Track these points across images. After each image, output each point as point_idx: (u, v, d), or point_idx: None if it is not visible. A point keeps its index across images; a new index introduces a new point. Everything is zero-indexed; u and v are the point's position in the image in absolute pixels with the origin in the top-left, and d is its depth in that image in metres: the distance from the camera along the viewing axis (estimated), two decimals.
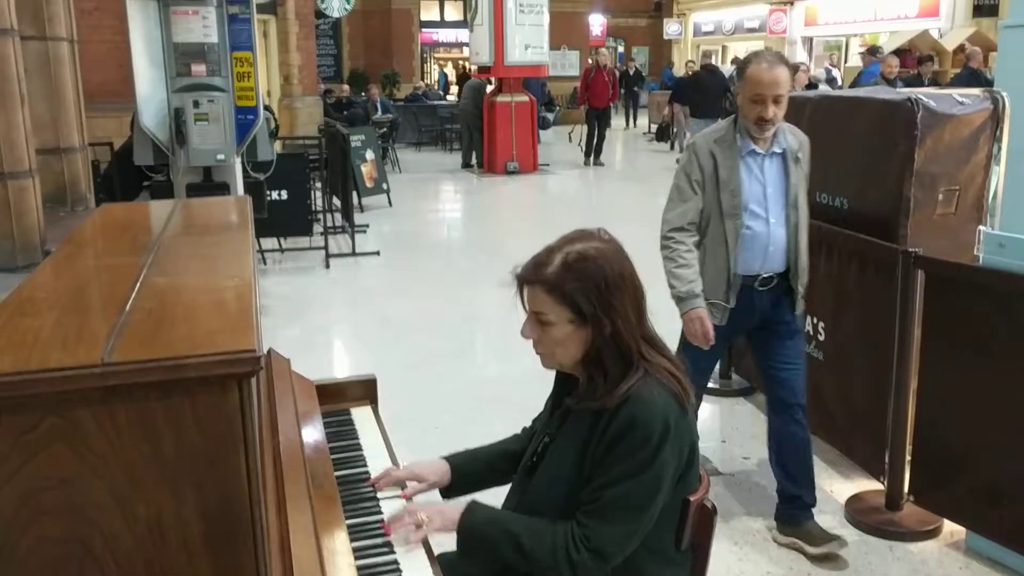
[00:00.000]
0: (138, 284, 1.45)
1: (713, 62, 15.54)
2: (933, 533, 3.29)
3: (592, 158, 14.75)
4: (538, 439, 1.92)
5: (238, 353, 1.12)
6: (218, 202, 2.49)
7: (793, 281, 3.14)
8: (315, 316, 6.45)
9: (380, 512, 1.92)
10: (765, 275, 3.11)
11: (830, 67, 17.44)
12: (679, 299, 3.12)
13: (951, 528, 3.29)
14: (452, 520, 1.78)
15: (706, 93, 13.63)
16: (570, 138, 16.16)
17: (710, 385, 4.74)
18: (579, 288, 1.69)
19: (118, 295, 1.39)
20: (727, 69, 18.37)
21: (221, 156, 5.57)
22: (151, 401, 1.11)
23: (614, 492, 1.67)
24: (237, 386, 1.13)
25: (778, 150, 3.07)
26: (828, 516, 3.44)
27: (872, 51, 12.44)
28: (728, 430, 4.29)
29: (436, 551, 1.83)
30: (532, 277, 1.73)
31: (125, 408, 1.10)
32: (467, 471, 2.03)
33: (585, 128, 14.96)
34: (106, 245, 1.91)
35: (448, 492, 2.05)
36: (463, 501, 1.85)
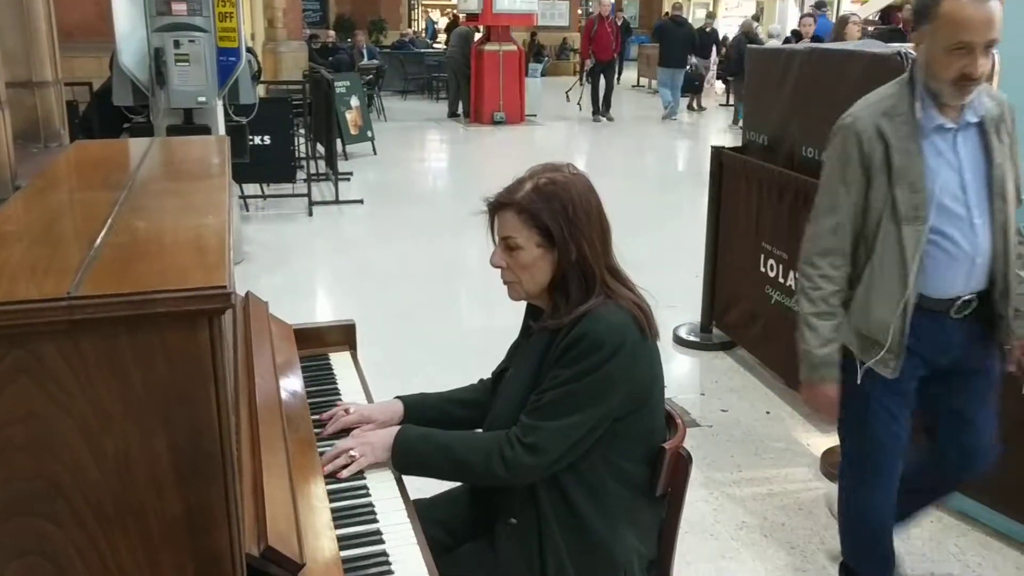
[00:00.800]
0: (110, 219, 1.41)
1: (682, 14, 15.46)
2: None
3: (602, 111, 14.24)
4: (500, 370, 1.97)
5: (209, 289, 1.09)
6: (195, 141, 2.44)
7: (1000, 304, 2.26)
8: (297, 264, 6.41)
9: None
10: (966, 297, 2.24)
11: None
12: (807, 361, 2.32)
13: None
14: (384, 447, 1.82)
15: (672, 43, 14.09)
16: (568, 97, 15.80)
17: (690, 339, 4.76)
18: (547, 210, 1.74)
19: (89, 230, 1.36)
20: (729, 21, 18.12)
21: (202, 98, 5.48)
22: (119, 336, 1.09)
23: (555, 393, 1.71)
24: (208, 323, 1.11)
25: (973, 119, 2.20)
26: (803, 468, 3.48)
27: (819, 5, 12.28)
28: (708, 383, 4.32)
29: (413, 496, 1.84)
30: (504, 201, 1.78)
31: (92, 343, 1.08)
32: (420, 413, 2.03)
33: (588, 84, 14.42)
34: (79, 180, 1.87)
35: None
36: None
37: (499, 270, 1.83)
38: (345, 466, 1.80)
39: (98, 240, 1.29)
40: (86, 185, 1.83)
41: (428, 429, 1.88)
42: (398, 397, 2.06)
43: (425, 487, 2.17)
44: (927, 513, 2.83)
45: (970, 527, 3.09)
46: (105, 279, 1.13)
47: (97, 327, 1.07)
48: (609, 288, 1.77)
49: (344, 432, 1.95)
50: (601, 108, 14.30)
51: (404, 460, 1.82)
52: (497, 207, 1.80)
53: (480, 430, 1.95)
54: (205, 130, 5.52)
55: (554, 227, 1.73)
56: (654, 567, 1.89)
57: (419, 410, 2.03)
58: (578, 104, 14.85)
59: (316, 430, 1.96)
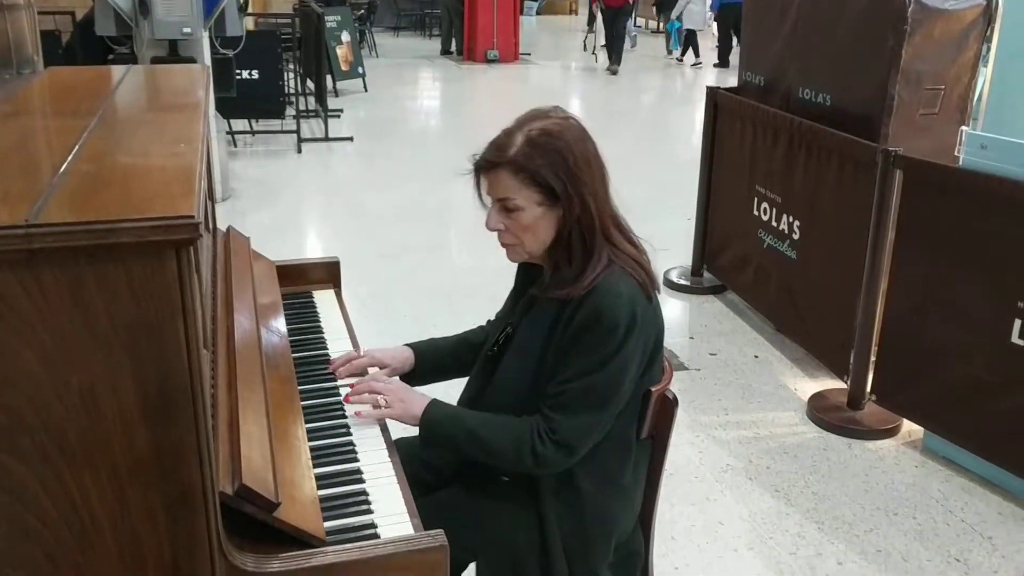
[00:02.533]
0: (77, 146, 1.36)
1: None
2: (892, 432, 3.34)
3: (610, 62, 13.22)
4: (500, 327, 1.88)
5: (176, 219, 1.05)
6: (173, 69, 2.36)
7: None
8: (286, 201, 6.33)
9: (338, 394, 1.89)
10: None
11: None
12: None
13: (909, 428, 3.33)
14: (412, 414, 1.74)
15: None
16: (584, 45, 15.26)
17: (681, 282, 4.73)
18: (547, 165, 1.60)
19: (55, 157, 1.31)
20: None
21: (187, 29, 5.35)
22: (81, 267, 1.04)
23: (579, 385, 1.63)
24: (175, 254, 1.06)
25: None
26: (790, 413, 3.48)
27: None
28: (697, 327, 4.30)
29: (397, 435, 1.81)
30: (496, 160, 1.63)
31: (53, 273, 1.03)
32: (430, 359, 2.00)
33: (601, 30, 13.67)
34: (49, 107, 1.80)
35: (410, 379, 2.03)
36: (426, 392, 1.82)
37: (496, 232, 1.70)
38: (373, 406, 1.77)
39: (63, 167, 1.24)
40: (56, 112, 1.76)
41: (456, 410, 1.79)
42: (408, 344, 2.02)
43: (410, 428, 2.15)
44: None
45: (953, 472, 3.10)
46: (66, 207, 1.08)
47: (57, 257, 1.03)
48: (612, 243, 1.67)
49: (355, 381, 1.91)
50: (610, 58, 13.38)
51: (430, 437, 1.75)
52: (488, 167, 1.64)
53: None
54: (190, 62, 5.39)
55: (556, 183, 1.60)
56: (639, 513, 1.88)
57: (429, 357, 2.00)
58: (593, 54, 14.28)
59: (296, 369, 1.93)
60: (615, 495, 1.77)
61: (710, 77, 12.63)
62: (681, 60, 14.52)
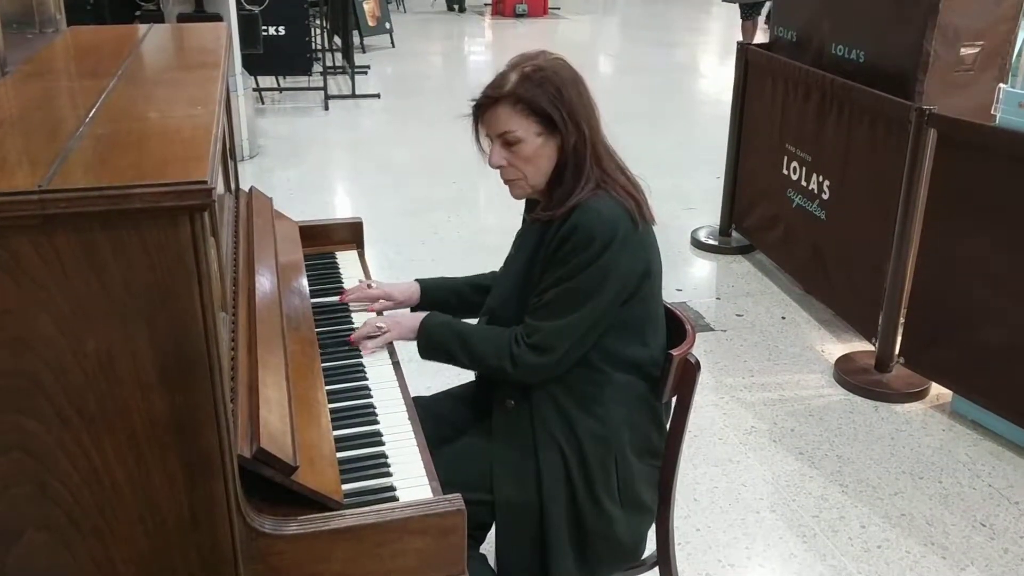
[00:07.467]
0: (94, 109, 1.35)
1: None
2: (919, 395, 3.30)
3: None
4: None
5: (188, 184, 1.04)
6: (194, 28, 2.35)
7: None
8: (312, 158, 6.33)
9: (360, 356, 1.90)
10: None
11: None
12: None
13: (937, 391, 3.30)
14: (410, 328, 1.87)
15: None
16: None
17: (708, 242, 4.69)
18: (543, 94, 1.71)
19: (71, 119, 1.30)
20: None
21: None
22: (95, 232, 1.04)
23: (553, 293, 1.71)
24: (188, 219, 1.06)
25: None
26: (816, 375, 3.45)
27: None
28: (724, 287, 4.26)
29: (412, 394, 1.82)
30: (495, 95, 1.73)
31: (68, 238, 1.03)
32: (436, 295, 2.10)
33: None
34: (69, 67, 1.80)
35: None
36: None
37: (499, 170, 1.78)
38: (372, 337, 1.89)
39: (79, 130, 1.24)
40: (75, 72, 1.75)
41: (450, 318, 1.90)
42: (417, 280, 2.11)
43: (434, 386, 2.16)
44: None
45: (981, 436, 3.06)
46: (80, 172, 1.08)
47: (71, 222, 1.03)
48: (603, 170, 1.74)
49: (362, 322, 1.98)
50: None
51: (426, 343, 1.86)
52: (488, 104, 1.74)
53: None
54: (216, 18, 5.37)
55: (552, 110, 1.70)
56: (657, 469, 1.88)
57: (435, 293, 2.10)
58: None
59: (318, 330, 1.93)
60: (621, 417, 1.79)
61: None
62: None
